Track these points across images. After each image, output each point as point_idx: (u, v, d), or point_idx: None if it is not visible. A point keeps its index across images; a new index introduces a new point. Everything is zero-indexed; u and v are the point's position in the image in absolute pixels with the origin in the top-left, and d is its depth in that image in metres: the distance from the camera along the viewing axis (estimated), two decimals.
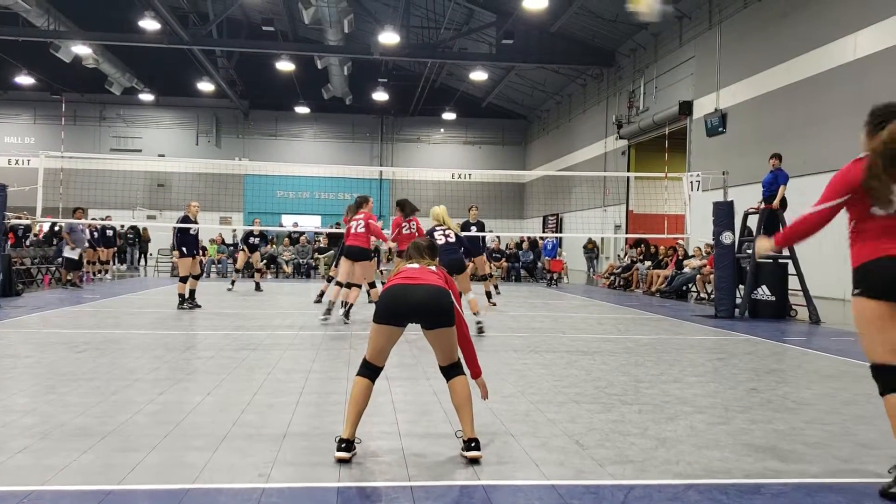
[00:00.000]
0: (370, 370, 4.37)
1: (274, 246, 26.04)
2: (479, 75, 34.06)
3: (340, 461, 4.12)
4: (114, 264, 24.36)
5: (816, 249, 16.23)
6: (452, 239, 9.74)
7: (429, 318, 4.31)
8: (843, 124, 17.20)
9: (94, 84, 36.89)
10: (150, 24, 27.87)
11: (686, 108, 24.31)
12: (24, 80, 37.50)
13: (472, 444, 4.20)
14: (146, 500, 3.56)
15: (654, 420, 5.25)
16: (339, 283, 11.53)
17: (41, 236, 21.03)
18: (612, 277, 22.60)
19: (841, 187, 4.08)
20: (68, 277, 17.74)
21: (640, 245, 22.52)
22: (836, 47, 17.47)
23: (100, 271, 21.10)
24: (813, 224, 4.20)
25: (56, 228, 18.98)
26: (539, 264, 25.63)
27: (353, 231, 11.59)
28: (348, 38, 29.48)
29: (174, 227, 13.31)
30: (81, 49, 30.62)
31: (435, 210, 10.04)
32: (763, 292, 13.16)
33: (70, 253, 17.58)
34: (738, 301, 13.33)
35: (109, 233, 21.85)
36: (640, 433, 4.87)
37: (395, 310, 4.31)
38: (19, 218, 20.37)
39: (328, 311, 11.17)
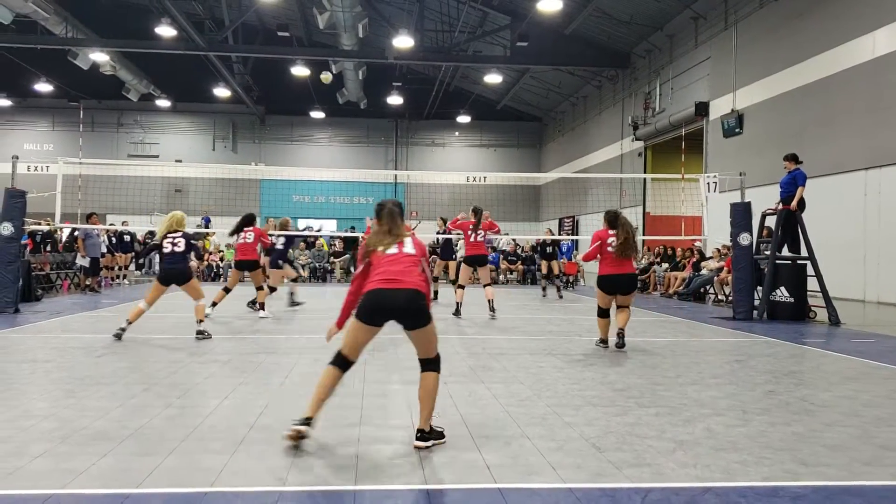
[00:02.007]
0: (344, 362, 4.66)
1: (290, 250, 26.10)
2: (493, 78, 34.06)
3: (297, 435, 4.41)
4: (131, 269, 24.51)
5: (835, 251, 16.16)
6: (180, 248, 9.51)
7: (406, 321, 4.59)
8: (860, 124, 17.08)
9: (112, 91, 37.17)
10: (166, 31, 28.06)
11: (702, 109, 24.20)
12: (43, 87, 37.85)
13: (418, 435, 4.51)
14: (164, 503, 3.58)
15: (672, 423, 5.22)
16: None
17: (61, 247, 21.19)
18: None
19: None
20: (86, 283, 17.87)
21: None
22: (854, 46, 17.34)
23: (117, 276, 21.24)
24: None
25: (75, 234, 19.12)
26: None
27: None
28: (363, 42, 29.55)
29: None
30: (99, 56, 30.87)
31: (173, 215, 9.92)
32: (781, 294, 13.06)
33: (81, 260, 17.72)
34: (757, 303, 13.23)
35: (127, 238, 21.99)
36: (658, 436, 4.84)
37: (376, 312, 4.58)
38: (38, 224, 20.55)
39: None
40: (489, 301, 12.86)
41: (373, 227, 5.02)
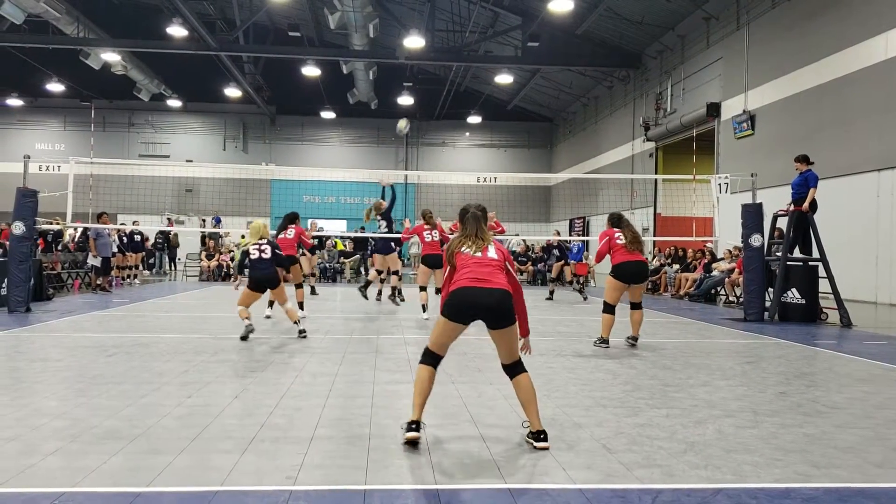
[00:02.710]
0: (433, 358, 4.76)
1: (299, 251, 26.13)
2: (504, 78, 34.05)
3: (410, 441, 4.48)
4: (142, 269, 24.60)
5: (847, 252, 16.08)
6: (267, 255, 9.75)
7: (494, 321, 4.64)
8: (872, 125, 17.00)
9: (123, 91, 37.36)
10: (177, 31, 28.18)
11: (714, 110, 24.13)
12: (55, 87, 38.06)
13: (541, 436, 4.51)
14: (175, 502, 3.59)
15: (683, 424, 5.20)
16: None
17: (73, 247, 21.28)
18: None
19: None
20: (98, 282, 17.95)
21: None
22: (866, 47, 17.26)
23: (128, 276, 21.33)
24: None
25: (87, 234, 19.22)
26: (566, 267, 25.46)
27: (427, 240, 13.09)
28: (373, 42, 29.59)
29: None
30: (110, 56, 31.02)
31: (255, 224, 10.13)
32: (793, 295, 13.01)
33: (92, 260, 17.81)
34: (768, 304, 13.18)
35: (137, 238, 22.08)
36: (668, 437, 4.83)
37: (465, 310, 4.64)
38: (50, 223, 20.65)
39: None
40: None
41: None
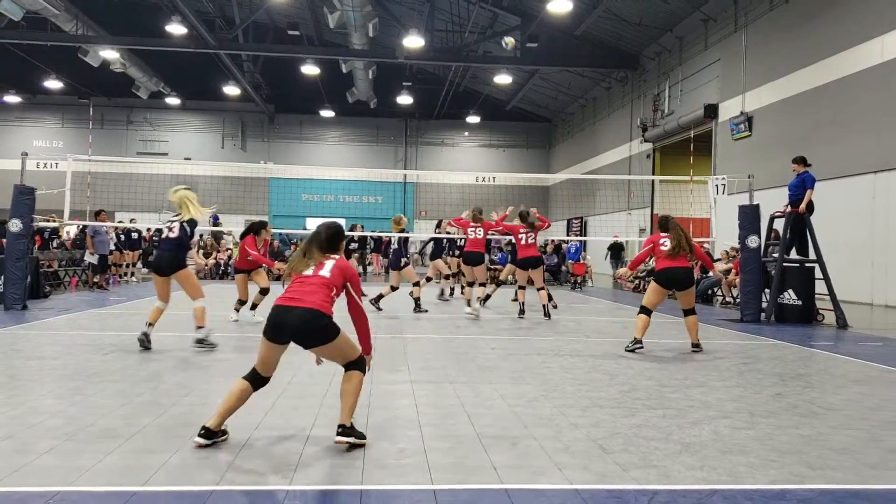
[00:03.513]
0: (255, 377, 4.67)
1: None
2: (503, 78, 34.08)
3: (199, 446, 4.35)
4: (139, 266, 24.56)
5: (844, 254, 16.11)
6: (174, 234, 8.48)
7: (302, 342, 4.59)
8: (869, 127, 17.02)
9: (122, 88, 37.33)
10: (176, 29, 28.16)
11: (711, 111, 24.16)
12: (53, 84, 38.03)
13: (339, 430, 4.44)
14: (170, 500, 3.59)
15: (679, 425, 5.21)
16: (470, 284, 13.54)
17: (70, 244, 21.25)
18: (636, 281, 22.46)
19: None
20: (94, 280, 17.93)
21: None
22: (863, 50, 17.29)
23: (125, 274, 21.31)
24: None
25: (84, 231, 19.19)
26: (563, 268, 25.53)
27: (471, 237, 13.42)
28: (373, 41, 29.59)
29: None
30: (109, 53, 30.99)
31: (179, 193, 8.76)
32: (789, 296, 13.02)
33: (90, 257, 17.79)
34: (764, 305, 13.20)
35: (134, 235, 22.05)
36: (664, 438, 4.83)
37: (275, 329, 4.54)
38: (48, 221, 20.61)
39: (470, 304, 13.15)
40: (544, 305, 13.06)
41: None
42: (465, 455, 4.38)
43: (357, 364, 4.66)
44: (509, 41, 14.99)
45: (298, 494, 3.66)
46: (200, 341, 8.41)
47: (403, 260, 13.98)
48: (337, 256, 4.81)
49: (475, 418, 5.30)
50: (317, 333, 4.52)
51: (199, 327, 8.45)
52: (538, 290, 13.23)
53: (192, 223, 8.64)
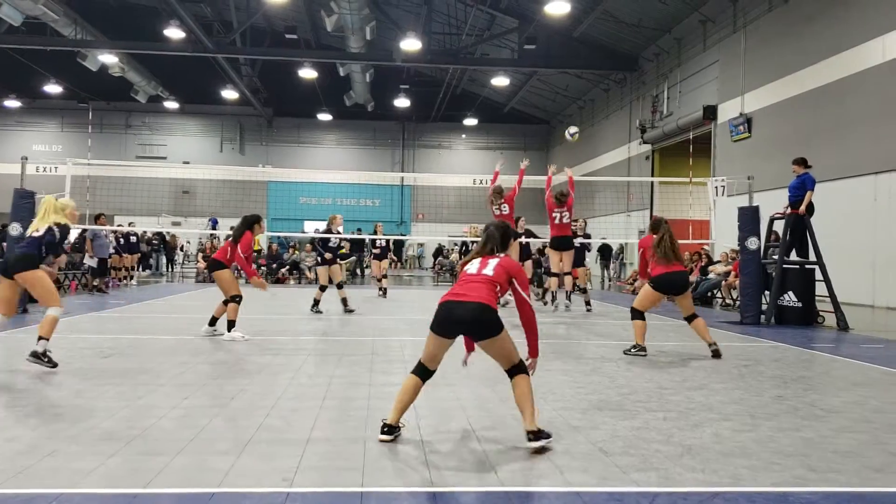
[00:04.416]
0: (423, 371, 4.84)
1: (296, 252, 26.17)
2: (500, 81, 34.10)
3: (382, 442, 4.60)
4: (138, 270, 24.57)
5: (844, 255, 16.11)
6: (38, 233, 7.31)
7: (474, 333, 4.76)
8: (870, 128, 17.03)
9: (120, 92, 37.36)
10: (175, 33, 28.18)
11: (710, 113, 24.17)
12: (52, 88, 38.04)
13: (530, 436, 4.52)
14: (172, 503, 3.58)
15: (679, 427, 5.20)
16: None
17: (70, 248, 21.24)
18: (636, 283, 22.45)
19: None
20: (94, 283, 17.92)
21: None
22: (864, 50, 17.30)
23: (125, 277, 21.30)
24: None
25: (83, 235, 19.19)
26: None
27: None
28: (370, 45, 29.62)
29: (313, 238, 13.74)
30: (108, 58, 31.01)
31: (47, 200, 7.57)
32: (790, 298, 13.02)
33: (89, 261, 17.78)
34: (764, 307, 13.19)
35: (134, 239, 22.05)
36: (665, 440, 4.82)
37: (445, 324, 4.74)
38: None
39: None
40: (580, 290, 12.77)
41: None
42: (466, 457, 4.38)
43: (520, 367, 4.77)
44: (574, 135, 14.91)
45: (299, 497, 3.66)
46: (37, 356, 7.02)
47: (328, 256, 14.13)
48: (501, 255, 5.01)
49: (475, 420, 5.30)
50: (488, 326, 4.67)
51: (42, 338, 7.09)
52: (564, 274, 13.06)
53: (66, 228, 7.48)
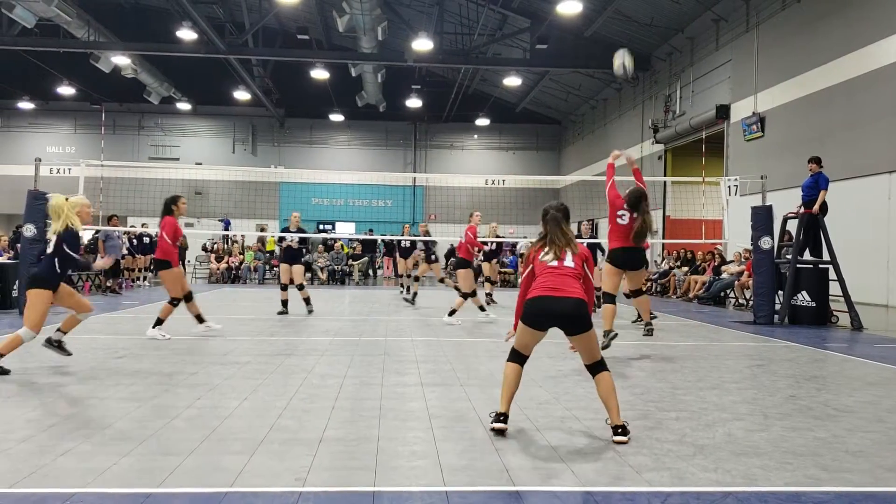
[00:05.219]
0: (519, 357, 5.11)
1: (308, 253, 26.23)
2: (512, 80, 34.03)
3: (498, 431, 4.84)
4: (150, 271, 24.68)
5: (858, 255, 16.00)
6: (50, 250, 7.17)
7: (569, 327, 4.92)
8: (884, 127, 16.91)
9: (133, 94, 37.48)
10: (187, 35, 28.26)
11: (723, 112, 24.06)
12: (65, 90, 38.23)
13: (619, 430, 4.72)
14: (185, 503, 3.60)
15: (692, 427, 5.19)
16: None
17: (84, 249, 21.38)
18: (648, 283, 22.42)
19: None
20: (107, 284, 18.02)
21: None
22: (877, 49, 17.18)
23: (137, 278, 21.41)
24: None
25: (96, 237, 19.32)
26: None
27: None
28: (382, 45, 29.62)
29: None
30: (120, 59, 31.13)
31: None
32: (803, 298, 12.96)
33: (100, 262, 17.87)
34: (778, 307, 13.13)
35: (147, 240, 22.16)
36: (678, 440, 4.81)
37: (541, 318, 4.94)
38: None
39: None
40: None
41: None
42: (477, 457, 4.38)
43: (602, 364, 4.99)
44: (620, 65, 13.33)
45: (311, 496, 3.67)
46: None
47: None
48: (577, 247, 5.15)
49: (486, 420, 5.30)
50: (581, 321, 4.88)
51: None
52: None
53: (70, 232, 7.22)
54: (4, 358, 6.87)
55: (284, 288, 13.75)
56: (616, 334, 8.47)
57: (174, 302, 9.83)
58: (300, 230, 14.42)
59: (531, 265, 5.13)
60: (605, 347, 8.14)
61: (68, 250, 7.11)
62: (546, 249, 5.09)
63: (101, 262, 8.79)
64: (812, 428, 5.23)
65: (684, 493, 3.79)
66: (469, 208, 12.12)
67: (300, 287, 13.78)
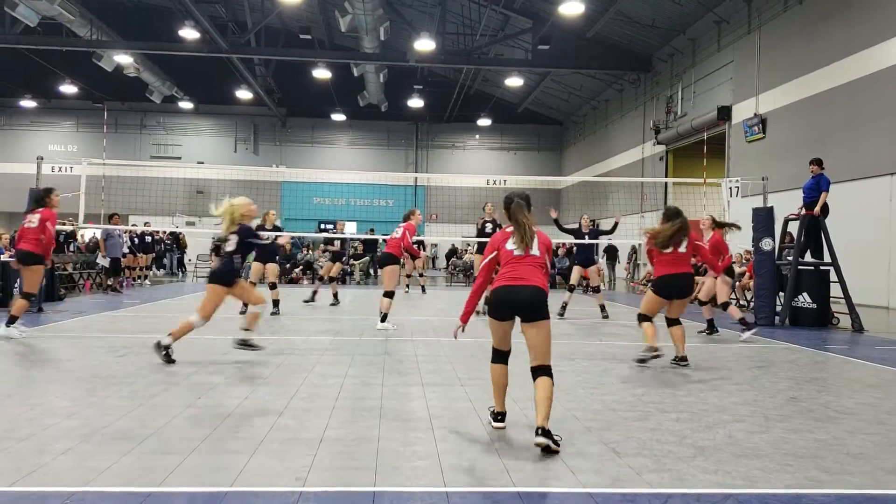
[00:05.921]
0: (499, 355, 5.12)
1: (310, 252, 26.23)
2: (514, 81, 34.05)
3: (498, 429, 5.00)
4: (152, 270, 24.71)
5: (859, 257, 16.00)
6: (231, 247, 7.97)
7: (528, 314, 4.87)
8: (885, 129, 16.91)
9: (135, 92, 37.53)
10: (189, 34, 28.29)
11: (725, 113, 24.06)
12: (68, 88, 38.26)
13: (539, 431, 4.51)
14: (185, 502, 3.60)
15: (692, 428, 5.18)
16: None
17: (84, 247, 21.39)
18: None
19: None
20: (108, 282, 18.03)
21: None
22: (879, 51, 17.17)
23: (139, 277, 21.41)
24: None
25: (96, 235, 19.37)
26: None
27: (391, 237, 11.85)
28: (384, 45, 29.64)
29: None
30: (123, 58, 31.16)
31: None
32: (804, 300, 12.95)
33: (101, 260, 17.90)
34: (779, 309, 13.13)
35: (148, 239, 22.18)
36: (678, 441, 4.81)
37: (504, 308, 4.95)
38: (63, 224, 20.74)
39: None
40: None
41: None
42: (478, 458, 4.38)
43: (549, 370, 4.87)
44: None
45: (311, 496, 3.67)
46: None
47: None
48: (538, 231, 5.12)
49: (487, 421, 5.30)
50: (540, 307, 4.87)
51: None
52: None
53: (245, 229, 8.05)
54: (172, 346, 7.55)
55: (273, 287, 13.42)
56: (660, 355, 7.95)
57: (30, 297, 9.70)
58: (276, 228, 14.27)
59: (496, 251, 5.08)
60: (641, 361, 7.98)
61: (251, 241, 8.13)
62: (513, 238, 5.05)
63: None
64: (813, 430, 5.22)
65: (685, 495, 3.79)
66: (471, 208, 11.84)
67: (272, 286, 13.40)
